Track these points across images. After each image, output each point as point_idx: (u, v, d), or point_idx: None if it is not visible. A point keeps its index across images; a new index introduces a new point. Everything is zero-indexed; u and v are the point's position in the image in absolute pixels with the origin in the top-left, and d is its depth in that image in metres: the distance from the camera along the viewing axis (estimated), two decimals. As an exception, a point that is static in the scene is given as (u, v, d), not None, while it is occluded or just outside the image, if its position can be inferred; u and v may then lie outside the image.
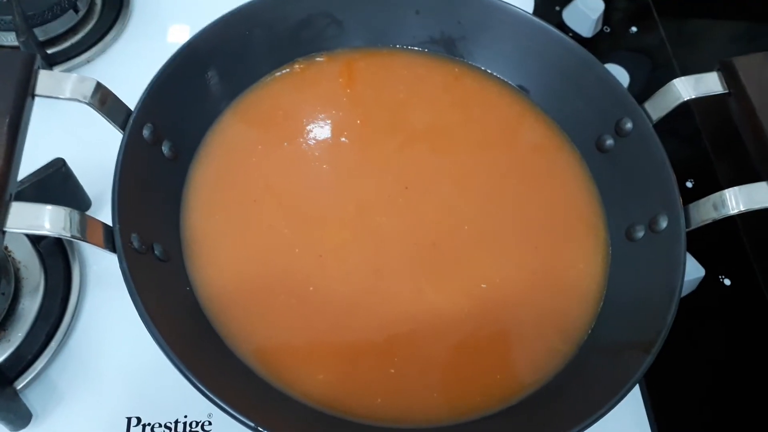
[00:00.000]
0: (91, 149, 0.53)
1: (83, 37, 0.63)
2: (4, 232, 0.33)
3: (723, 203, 0.40)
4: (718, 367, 0.53)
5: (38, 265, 0.49)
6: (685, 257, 0.40)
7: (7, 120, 0.34)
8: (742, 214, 0.40)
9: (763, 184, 0.41)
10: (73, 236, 0.34)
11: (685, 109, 0.68)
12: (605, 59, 0.65)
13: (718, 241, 0.58)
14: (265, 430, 0.33)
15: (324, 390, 0.40)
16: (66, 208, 0.35)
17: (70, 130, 0.56)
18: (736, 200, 0.40)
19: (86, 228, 0.36)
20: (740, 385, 0.52)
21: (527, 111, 0.52)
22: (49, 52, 0.60)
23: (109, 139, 0.55)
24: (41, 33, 0.60)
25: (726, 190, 0.41)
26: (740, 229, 0.59)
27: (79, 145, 0.52)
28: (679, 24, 0.78)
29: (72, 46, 0.62)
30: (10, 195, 0.33)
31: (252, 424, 0.33)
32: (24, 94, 0.35)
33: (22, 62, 0.36)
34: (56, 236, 0.34)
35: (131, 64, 0.62)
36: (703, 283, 0.53)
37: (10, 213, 0.33)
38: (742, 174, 0.52)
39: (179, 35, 0.65)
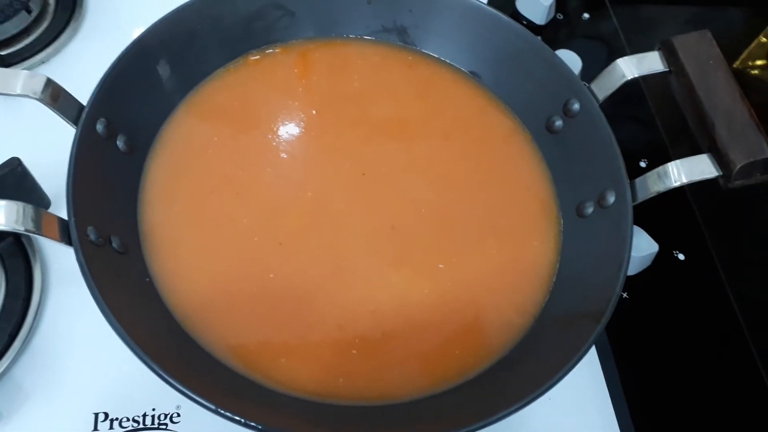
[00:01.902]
0: (50, 149, 0.52)
1: (37, 38, 0.62)
2: (-44, 228, 0.33)
3: (666, 175, 0.42)
4: (674, 339, 0.54)
5: (-2, 266, 0.49)
6: (632, 230, 0.42)
7: (-45, 116, 0.34)
8: (692, 188, 0.42)
9: (704, 156, 0.42)
10: (27, 230, 0.35)
11: (639, 93, 0.70)
12: (559, 46, 0.66)
13: (671, 217, 0.59)
14: (227, 412, 0.34)
15: (288, 373, 0.41)
16: (19, 202, 0.35)
17: (28, 130, 0.56)
18: (678, 172, 0.42)
19: (41, 222, 0.36)
20: (696, 355, 0.53)
21: (480, 96, 0.53)
22: (2, 53, 0.60)
23: (69, 138, 0.56)
24: (-7, 34, 0.60)
25: (669, 163, 0.42)
26: (692, 204, 0.60)
27: (37, 146, 0.52)
28: (631, 10, 0.79)
29: (26, 47, 0.61)
30: (-39, 190, 0.34)
31: (212, 407, 0.34)
32: (-29, 90, 0.35)
33: (-31, 59, 0.36)
34: (10, 230, 0.34)
35: (87, 63, 0.61)
36: (658, 258, 0.55)
37: (-39, 208, 0.33)
38: (694, 153, 0.54)
39: (134, 33, 0.65)
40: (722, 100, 0.42)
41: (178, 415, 0.45)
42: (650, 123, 0.67)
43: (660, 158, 0.63)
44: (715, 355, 0.53)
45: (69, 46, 0.63)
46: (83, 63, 0.62)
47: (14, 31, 0.61)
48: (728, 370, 0.53)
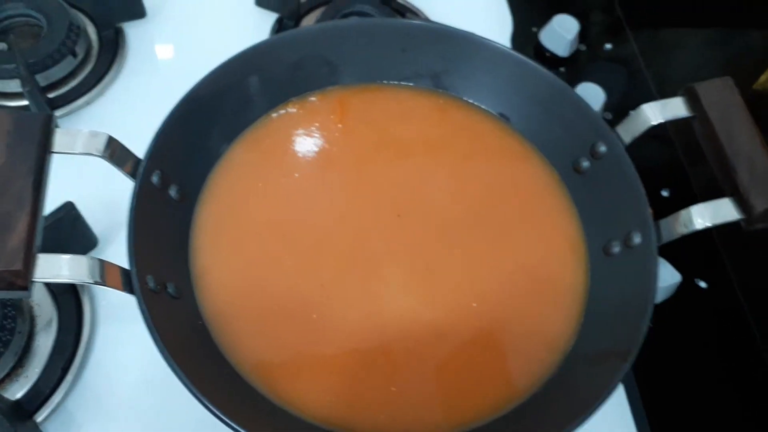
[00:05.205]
0: (94, 189, 0.55)
1: (82, 81, 0.65)
2: (33, 282, 0.36)
3: (690, 220, 0.43)
4: (697, 365, 0.56)
5: (51, 303, 0.52)
6: (657, 270, 0.43)
7: (32, 180, 0.37)
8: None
9: (726, 200, 0.44)
10: (95, 282, 0.37)
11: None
12: (583, 77, 0.68)
13: (693, 246, 0.61)
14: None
15: (328, 410, 0.43)
16: (85, 256, 0.38)
17: (73, 172, 0.59)
18: (702, 216, 0.43)
19: (105, 273, 0.38)
20: (718, 382, 0.55)
21: (509, 138, 0.55)
22: (50, 96, 0.63)
23: (110, 177, 0.58)
24: (42, 79, 0.62)
25: (692, 207, 0.44)
26: (713, 233, 0.62)
27: (82, 186, 0.54)
28: (651, 36, 0.81)
29: (72, 89, 0.64)
30: (37, 248, 0.36)
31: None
32: (44, 153, 0.38)
33: (42, 123, 0.39)
34: (78, 283, 0.37)
35: (129, 104, 0.65)
36: (681, 287, 0.57)
37: (37, 265, 0.36)
38: (714, 183, 0.56)
39: (173, 74, 0.68)
40: (744, 146, 0.44)
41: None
42: (671, 152, 0.69)
43: (682, 188, 0.65)
44: (737, 380, 0.55)
45: (112, 87, 0.66)
46: (126, 104, 0.65)
47: (61, 75, 0.64)
48: (750, 393, 0.54)
